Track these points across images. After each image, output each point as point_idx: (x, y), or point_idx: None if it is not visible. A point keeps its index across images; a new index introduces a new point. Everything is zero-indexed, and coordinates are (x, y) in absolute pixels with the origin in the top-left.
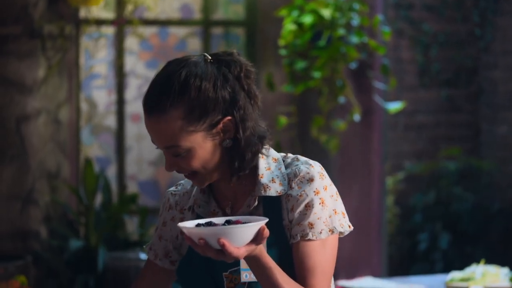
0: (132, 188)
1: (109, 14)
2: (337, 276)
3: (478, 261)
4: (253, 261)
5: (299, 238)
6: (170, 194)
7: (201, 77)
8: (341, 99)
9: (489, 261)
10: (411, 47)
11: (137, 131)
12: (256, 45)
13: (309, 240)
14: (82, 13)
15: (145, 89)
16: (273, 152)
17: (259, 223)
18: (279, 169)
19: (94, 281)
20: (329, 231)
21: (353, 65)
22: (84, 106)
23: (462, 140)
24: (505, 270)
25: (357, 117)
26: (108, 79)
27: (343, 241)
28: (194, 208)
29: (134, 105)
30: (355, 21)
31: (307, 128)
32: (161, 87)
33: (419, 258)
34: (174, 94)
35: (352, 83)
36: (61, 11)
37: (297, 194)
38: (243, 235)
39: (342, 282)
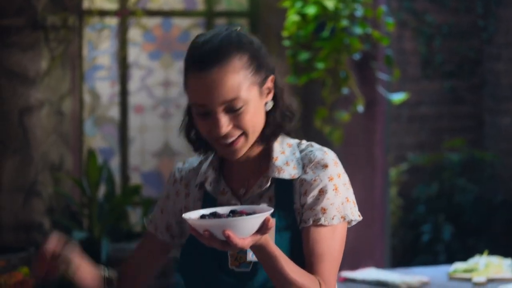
0: (135, 179)
1: (112, 5)
2: (340, 267)
3: (481, 253)
4: (258, 250)
5: (311, 222)
6: (177, 169)
7: (250, 36)
8: (345, 90)
9: (492, 252)
10: (414, 38)
11: (140, 122)
12: (259, 36)
13: (321, 225)
14: (85, 4)
15: (148, 80)
16: (287, 138)
17: (264, 214)
18: (294, 153)
19: None
20: (341, 217)
21: (357, 56)
22: (87, 97)
23: (465, 131)
24: (508, 261)
25: (360, 108)
26: (111, 71)
27: (347, 231)
28: (204, 185)
29: (138, 96)
30: (359, 12)
31: (311, 120)
32: (219, 39)
33: (422, 250)
34: (235, 43)
35: (356, 74)
36: (64, 2)
37: (311, 179)
38: (248, 226)
39: (345, 273)
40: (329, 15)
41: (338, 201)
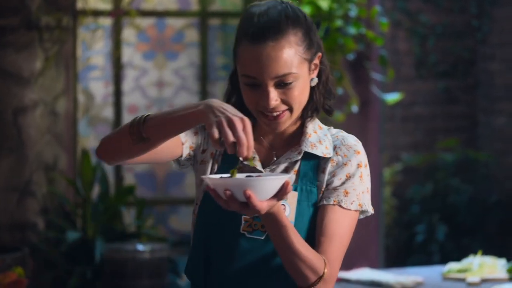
0: (129, 179)
1: (106, 5)
2: None
3: (475, 253)
4: (270, 218)
5: (331, 202)
6: None
7: (303, 11)
8: (339, 91)
9: (486, 252)
10: (408, 38)
11: None
12: None
13: (340, 207)
14: (79, 4)
15: (142, 80)
16: (318, 121)
17: (284, 177)
18: (326, 135)
19: (91, 273)
20: (359, 205)
21: (351, 56)
22: (81, 97)
23: (459, 131)
24: (502, 261)
25: (355, 108)
26: (105, 71)
27: None
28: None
29: (131, 97)
30: (353, 12)
31: None
32: (277, 12)
33: (416, 250)
34: (292, 18)
35: (350, 74)
36: (58, 3)
37: (343, 162)
38: (268, 188)
39: (339, 274)
40: (323, 15)
41: (360, 189)
